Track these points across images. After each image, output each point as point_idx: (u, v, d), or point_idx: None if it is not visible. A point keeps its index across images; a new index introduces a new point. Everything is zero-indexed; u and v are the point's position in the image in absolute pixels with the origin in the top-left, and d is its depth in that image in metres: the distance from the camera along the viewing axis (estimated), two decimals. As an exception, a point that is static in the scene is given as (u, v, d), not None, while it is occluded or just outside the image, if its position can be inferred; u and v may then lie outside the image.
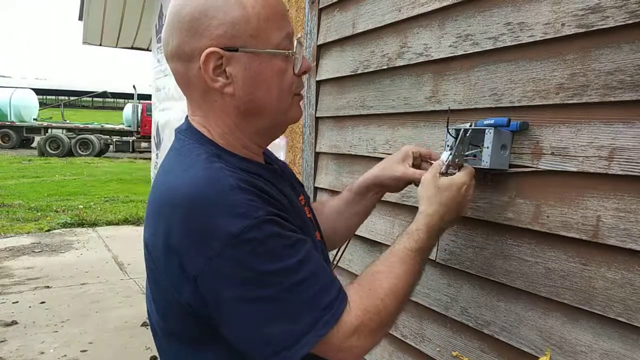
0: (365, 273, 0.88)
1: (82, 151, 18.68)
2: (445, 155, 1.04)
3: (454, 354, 1.23)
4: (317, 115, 1.79)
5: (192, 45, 0.82)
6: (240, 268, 0.74)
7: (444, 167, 1.01)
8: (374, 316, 0.81)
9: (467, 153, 1.05)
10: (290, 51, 0.86)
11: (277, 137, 0.98)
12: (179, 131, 0.93)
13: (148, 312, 0.94)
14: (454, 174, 1.00)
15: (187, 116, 0.93)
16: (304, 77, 0.92)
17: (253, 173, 0.84)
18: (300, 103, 0.95)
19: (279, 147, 2.12)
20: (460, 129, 1.09)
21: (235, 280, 0.74)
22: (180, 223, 0.75)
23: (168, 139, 3.59)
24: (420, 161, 1.11)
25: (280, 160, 1.14)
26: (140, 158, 18.16)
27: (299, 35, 0.89)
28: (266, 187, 0.82)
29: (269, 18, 0.83)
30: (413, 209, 1.35)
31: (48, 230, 7.47)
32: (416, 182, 1.05)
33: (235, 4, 0.81)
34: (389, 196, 1.12)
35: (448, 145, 1.08)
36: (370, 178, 1.14)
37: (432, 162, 1.07)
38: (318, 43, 1.75)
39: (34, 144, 20.19)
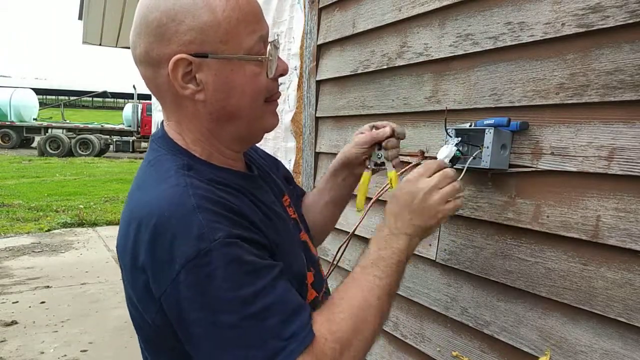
0: (333, 298, 0.82)
1: (82, 151, 18.68)
2: (445, 151, 1.03)
3: (454, 354, 1.23)
4: (317, 115, 1.79)
5: (160, 51, 0.79)
6: (198, 292, 0.71)
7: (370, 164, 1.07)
8: (343, 345, 0.76)
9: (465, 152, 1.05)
10: (263, 57, 0.83)
11: (254, 143, 0.96)
12: (153, 139, 0.90)
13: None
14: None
15: (162, 121, 0.91)
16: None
17: (226, 185, 0.81)
18: (277, 110, 0.92)
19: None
20: (460, 129, 1.09)
21: (196, 304, 0.72)
22: (145, 243, 0.74)
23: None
24: (377, 129, 1.10)
25: (269, 156, 1.13)
26: (141, 158, 18.07)
27: (274, 39, 0.86)
28: (236, 202, 0.78)
29: (240, 22, 0.80)
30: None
31: (48, 230, 7.47)
32: (375, 140, 1.07)
33: (204, 8, 0.78)
34: (388, 196, 1.11)
35: (446, 141, 1.09)
36: (338, 159, 1.14)
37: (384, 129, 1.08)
38: (318, 43, 1.75)
39: (34, 144, 20.19)
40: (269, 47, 0.84)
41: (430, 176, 0.91)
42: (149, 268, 0.74)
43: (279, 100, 0.93)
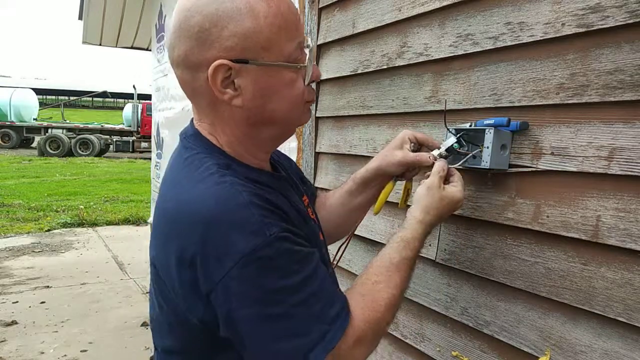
0: (364, 281, 0.88)
1: (82, 151, 18.69)
2: (448, 143, 1.05)
3: (454, 354, 1.23)
4: (317, 115, 1.79)
5: (200, 56, 0.79)
6: (251, 286, 0.73)
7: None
8: (374, 326, 0.82)
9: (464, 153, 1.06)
10: (302, 65, 0.83)
11: (284, 142, 0.97)
12: (185, 137, 0.90)
13: (151, 326, 0.95)
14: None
15: (192, 119, 0.91)
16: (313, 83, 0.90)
17: (263, 184, 0.82)
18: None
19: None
20: (460, 129, 1.09)
21: (247, 298, 0.74)
22: (194, 240, 0.74)
23: (169, 139, 3.59)
24: (419, 146, 1.10)
25: (284, 156, 1.12)
26: (140, 158, 18.16)
27: (308, 42, 0.86)
28: (277, 200, 0.81)
29: (281, 28, 0.80)
30: (413, 209, 1.35)
31: (48, 230, 7.47)
32: (415, 166, 1.07)
33: (247, 14, 0.77)
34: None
35: (447, 137, 1.10)
36: (373, 169, 1.11)
37: (429, 148, 1.08)
38: (318, 43, 1.75)
39: (34, 144, 20.20)
40: (307, 54, 0.84)
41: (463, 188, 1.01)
42: (199, 264, 0.74)
43: None
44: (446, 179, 1.02)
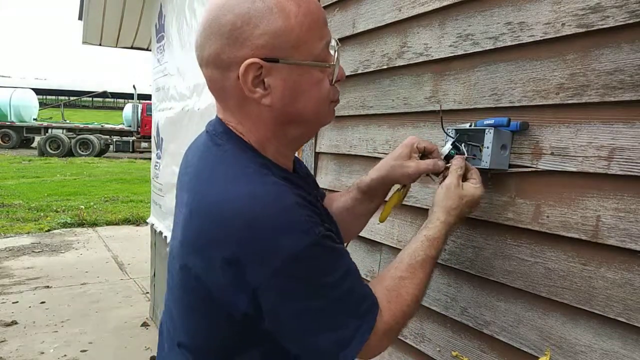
0: (390, 276, 0.90)
1: (82, 151, 18.68)
2: (446, 150, 1.05)
3: (454, 354, 1.23)
4: (317, 115, 1.79)
5: (232, 54, 0.79)
6: (300, 283, 0.76)
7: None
8: (400, 320, 0.87)
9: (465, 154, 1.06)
10: (330, 64, 0.84)
11: (308, 141, 0.99)
12: (214, 134, 0.88)
13: (162, 331, 0.96)
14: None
15: (217, 116, 0.90)
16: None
17: (296, 184, 0.84)
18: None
19: None
20: (460, 129, 1.09)
21: (295, 295, 0.77)
22: (242, 239, 0.75)
23: (169, 139, 3.59)
24: (427, 155, 1.08)
25: (299, 160, 1.13)
26: (140, 158, 18.16)
27: (335, 42, 0.86)
28: (313, 199, 0.84)
29: (311, 27, 0.80)
30: (413, 209, 1.35)
31: (48, 230, 7.47)
32: (428, 173, 1.06)
33: (278, 13, 0.78)
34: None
35: (446, 140, 1.09)
36: (380, 179, 1.09)
37: (432, 157, 1.07)
38: (318, 43, 1.75)
39: (34, 144, 20.20)
40: (335, 54, 0.85)
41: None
42: (245, 261, 0.75)
43: None
44: (464, 177, 1.02)
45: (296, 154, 1.01)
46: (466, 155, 1.06)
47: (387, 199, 1.14)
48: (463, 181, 1.00)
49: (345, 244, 1.19)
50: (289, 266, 0.74)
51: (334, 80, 0.86)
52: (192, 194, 0.85)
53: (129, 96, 28.68)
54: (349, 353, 0.79)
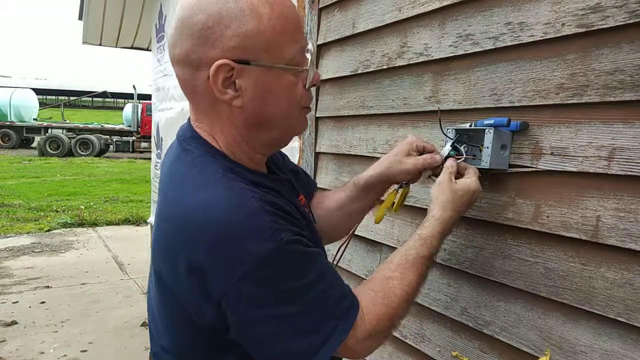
0: (377, 277, 0.89)
1: (82, 151, 18.67)
2: (445, 151, 1.06)
3: (454, 354, 1.23)
4: (317, 115, 1.79)
5: (202, 54, 0.78)
6: (265, 289, 0.75)
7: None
8: (385, 321, 0.85)
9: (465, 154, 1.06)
10: (303, 68, 0.84)
11: (281, 147, 0.97)
12: (184, 139, 0.89)
13: (151, 332, 0.95)
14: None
15: (189, 120, 0.90)
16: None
17: (266, 187, 0.83)
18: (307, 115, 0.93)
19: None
20: (460, 129, 1.09)
21: (260, 302, 0.75)
22: (206, 244, 0.74)
23: (169, 139, 3.59)
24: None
25: (278, 154, 1.11)
26: (140, 158, 18.16)
27: (309, 47, 0.86)
28: (283, 203, 0.82)
29: (284, 31, 0.80)
30: (412, 209, 1.35)
31: (48, 230, 7.47)
32: (427, 168, 1.06)
33: (251, 15, 0.77)
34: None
35: (446, 142, 1.10)
36: (377, 176, 1.10)
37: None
38: (318, 43, 1.75)
39: (34, 144, 20.19)
40: (309, 58, 0.85)
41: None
42: (208, 269, 0.74)
43: None
44: (460, 175, 1.02)
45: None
46: (465, 156, 1.06)
47: (383, 198, 1.15)
48: (459, 179, 1.01)
49: (345, 243, 1.20)
50: (253, 272, 0.73)
51: (308, 85, 0.86)
52: (162, 200, 0.86)
53: (129, 96, 28.67)
54: (323, 353, 0.77)
